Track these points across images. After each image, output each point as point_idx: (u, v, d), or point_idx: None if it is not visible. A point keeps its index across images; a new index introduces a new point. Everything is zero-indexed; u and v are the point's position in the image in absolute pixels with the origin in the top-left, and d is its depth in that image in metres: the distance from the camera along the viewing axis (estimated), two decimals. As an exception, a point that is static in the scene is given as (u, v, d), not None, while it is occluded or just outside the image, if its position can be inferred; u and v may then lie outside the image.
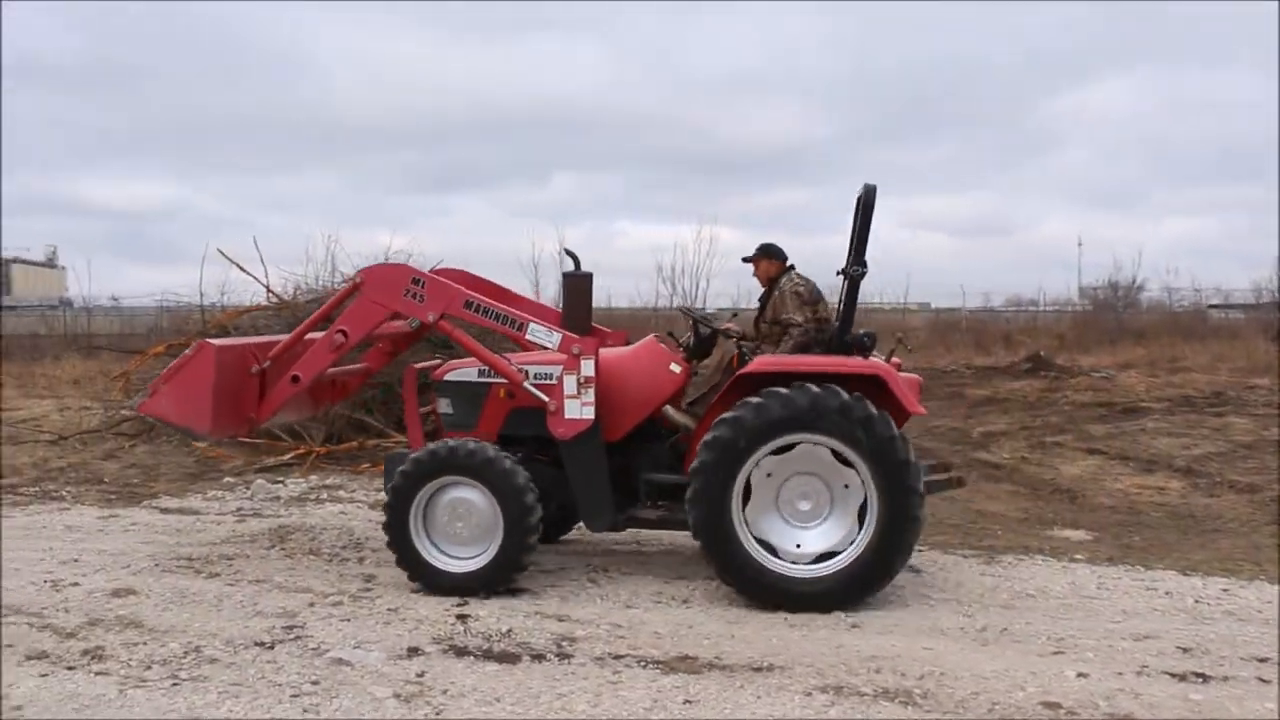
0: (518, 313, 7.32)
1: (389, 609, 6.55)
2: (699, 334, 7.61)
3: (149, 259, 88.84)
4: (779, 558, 6.69)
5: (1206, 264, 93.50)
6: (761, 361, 6.88)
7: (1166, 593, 7.03)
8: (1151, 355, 24.19)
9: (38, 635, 6.06)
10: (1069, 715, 4.94)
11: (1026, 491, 10.79)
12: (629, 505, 7.31)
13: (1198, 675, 5.47)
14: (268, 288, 14.76)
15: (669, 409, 7.29)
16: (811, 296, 7.36)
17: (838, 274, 7.27)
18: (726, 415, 6.65)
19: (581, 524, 7.62)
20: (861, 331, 7.11)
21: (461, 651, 5.79)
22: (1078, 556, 8.10)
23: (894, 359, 7.29)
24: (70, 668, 5.54)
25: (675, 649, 5.84)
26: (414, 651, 5.77)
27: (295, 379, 7.40)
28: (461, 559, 6.92)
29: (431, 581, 6.89)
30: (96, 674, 5.45)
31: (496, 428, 7.44)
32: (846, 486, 6.66)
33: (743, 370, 6.85)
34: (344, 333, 7.34)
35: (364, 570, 7.58)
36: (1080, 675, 5.43)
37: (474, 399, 7.51)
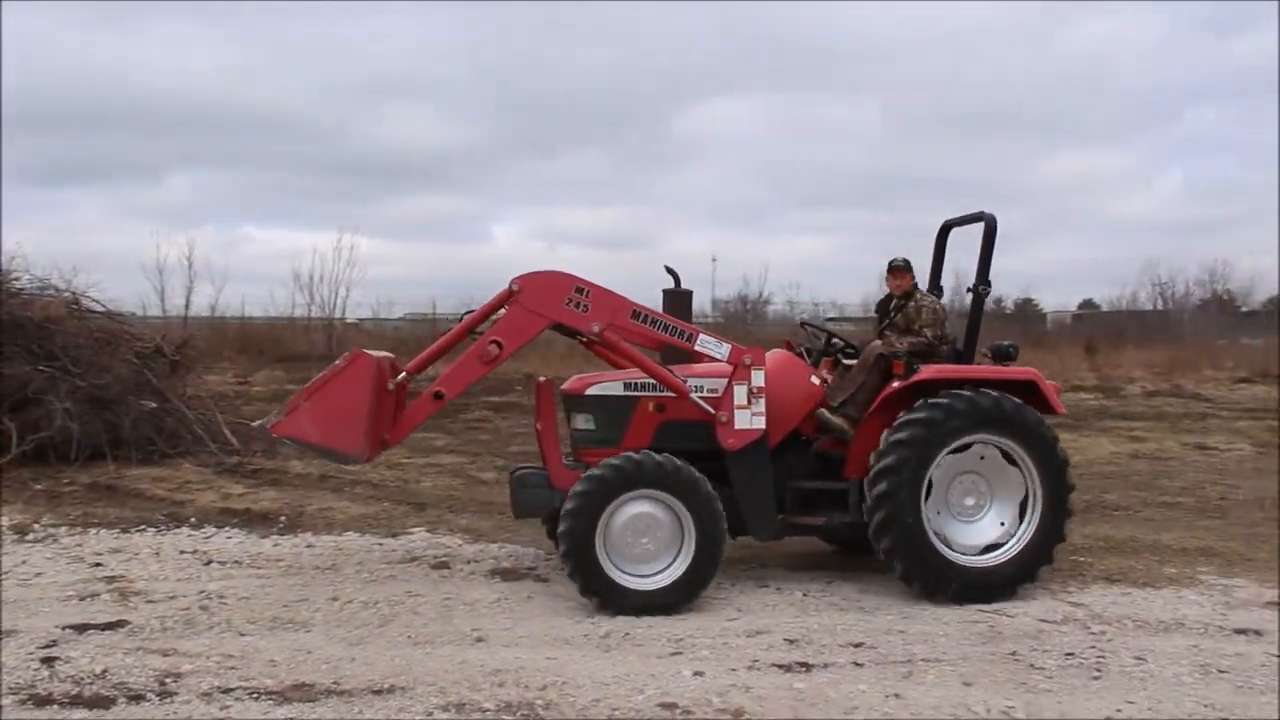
0: (687, 324, 7.31)
1: (-41, 655, 5.79)
2: (830, 346, 8.09)
3: None
4: (953, 550, 7.19)
5: (824, 280, 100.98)
6: (933, 369, 7.36)
7: (777, 589, 7.42)
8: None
9: None
10: (684, 714, 5.08)
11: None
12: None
13: (802, 665, 5.80)
14: None
15: (825, 412, 7.51)
16: (941, 316, 7.94)
17: (967, 290, 7.88)
18: (917, 415, 7.08)
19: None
20: (1007, 343, 7.84)
21: (43, 700, 5.16)
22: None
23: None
24: None
25: (291, 677, 5.52)
26: (-16, 704, 5.11)
27: (438, 395, 6.99)
28: (644, 576, 6.77)
29: (619, 601, 6.68)
30: None
31: (646, 442, 7.20)
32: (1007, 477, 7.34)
33: (919, 378, 7.27)
34: (498, 344, 6.97)
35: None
36: (696, 674, 5.61)
37: (619, 413, 7.34)
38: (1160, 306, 49.65)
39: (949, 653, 6.06)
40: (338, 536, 9.01)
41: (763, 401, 7.18)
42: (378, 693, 5.31)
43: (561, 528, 6.73)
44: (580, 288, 7.10)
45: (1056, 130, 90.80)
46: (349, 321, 36.54)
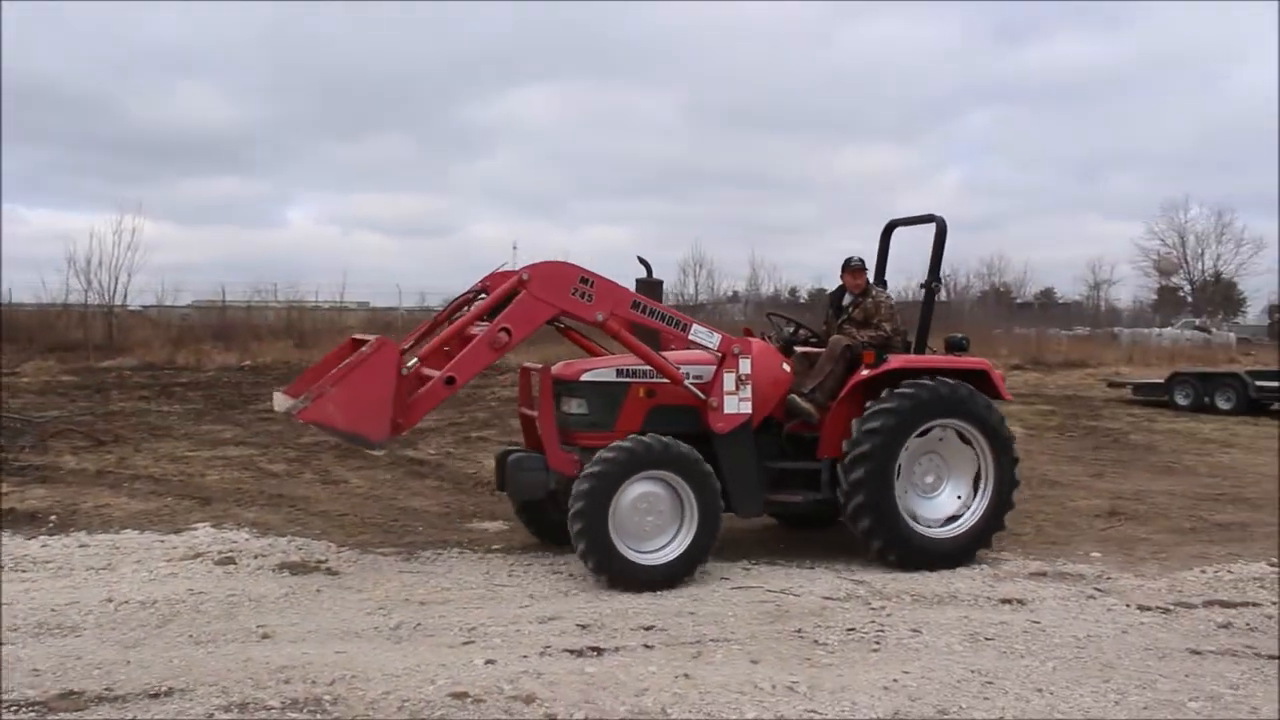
0: (681, 314, 7.65)
1: None
2: (797, 336, 8.70)
3: None
4: (918, 523, 7.91)
5: (621, 269, 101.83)
6: (900, 359, 8.00)
7: (570, 575, 7.46)
8: (577, 352, 25.90)
9: None
10: (475, 703, 5.04)
11: (450, 486, 11.05)
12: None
13: (593, 649, 5.85)
14: None
15: (795, 398, 8.01)
16: (895, 310, 8.56)
17: (920, 286, 8.57)
18: (888, 401, 7.71)
19: None
20: (959, 335, 8.70)
21: None
22: (495, 547, 8.41)
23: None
24: None
25: (57, 686, 5.20)
26: None
27: (450, 380, 7.11)
28: (649, 552, 7.13)
29: (629, 577, 7.01)
30: None
31: (636, 426, 7.53)
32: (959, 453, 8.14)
33: (887, 367, 7.90)
34: (507, 331, 7.14)
35: None
36: (488, 662, 5.58)
37: (612, 399, 7.64)
38: (943, 297, 52.27)
39: (737, 632, 6.23)
40: (115, 535, 8.54)
41: (749, 388, 7.65)
42: (154, 696, 5.06)
43: (575, 511, 7.01)
44: (585, 278, 7.37)
45: (845, 128, 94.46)
46: (131, 309, 34.76)
